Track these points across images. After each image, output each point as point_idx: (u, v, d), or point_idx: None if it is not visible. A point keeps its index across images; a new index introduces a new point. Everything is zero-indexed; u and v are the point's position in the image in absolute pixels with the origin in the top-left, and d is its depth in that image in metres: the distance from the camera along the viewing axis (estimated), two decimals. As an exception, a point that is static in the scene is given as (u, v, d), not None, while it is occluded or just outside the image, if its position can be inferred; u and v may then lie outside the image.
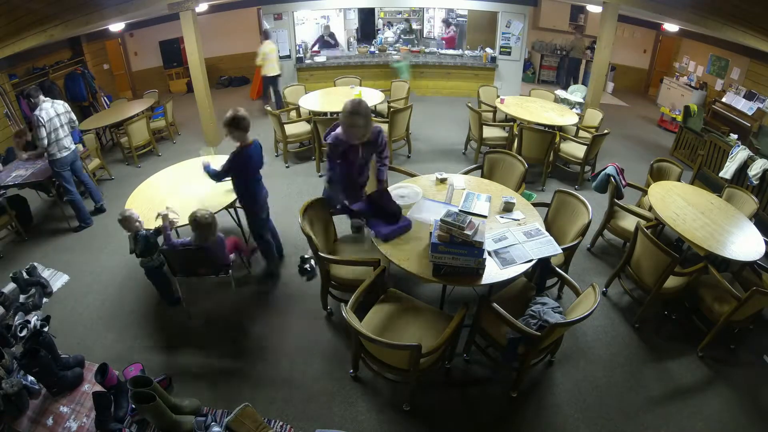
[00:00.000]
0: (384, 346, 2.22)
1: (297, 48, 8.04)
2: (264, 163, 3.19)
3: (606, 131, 4.96)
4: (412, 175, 3.64)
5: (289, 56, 7.80)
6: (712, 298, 2.99)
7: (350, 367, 2.83)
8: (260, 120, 6.92)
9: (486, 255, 2.42)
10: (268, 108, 5.74)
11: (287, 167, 5.56)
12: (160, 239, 3.02)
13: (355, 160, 2.94)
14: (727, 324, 2.85)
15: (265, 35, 7.00)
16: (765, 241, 3.10)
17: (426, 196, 3.22)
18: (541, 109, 5.57)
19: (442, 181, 3.42)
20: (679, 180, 4.06)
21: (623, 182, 3.78)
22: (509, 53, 8.22)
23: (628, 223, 3.67)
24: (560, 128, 5.30)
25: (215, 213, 3.20)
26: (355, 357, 2.70)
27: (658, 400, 2.71)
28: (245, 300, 3.43)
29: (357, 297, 2.52)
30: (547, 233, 2.78)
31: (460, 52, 8.43)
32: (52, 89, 6.52)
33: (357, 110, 2.64)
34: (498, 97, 6.00)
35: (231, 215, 3.92)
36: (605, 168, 3.84)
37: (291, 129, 5.54)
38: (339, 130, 2.82)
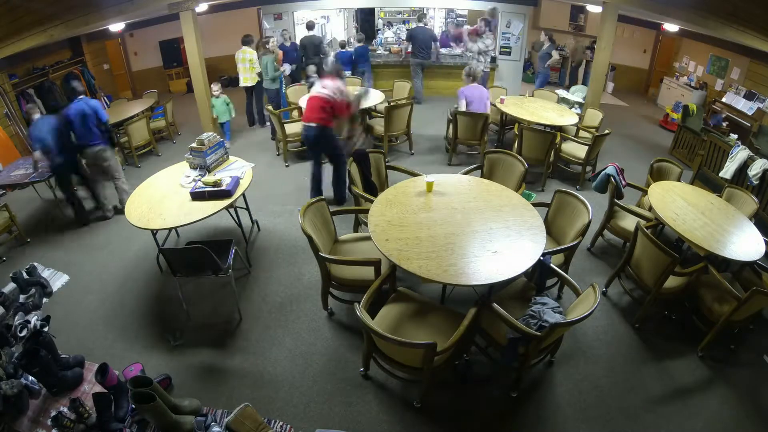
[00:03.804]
0: (398, 345, 2.22)
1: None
2: None
3: (607, 131, 4.96)
4: (414, 174, 3.65)
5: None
6: (712, 298, 2.99)
7: (350, 367, 2.84)
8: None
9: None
10: (269, 107, 5.75)
11: (287, 166, 5.57)
12: None
13: None
14: (727, 324, 2.85)
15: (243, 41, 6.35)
16: (765, 241, 3.10)
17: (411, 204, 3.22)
18: (540, 109, 5.57)
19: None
20: (679, 180, 4.06)
21: (623, 182, 3.78)
22: (509, 53, 8.24)
23: (628, 223, 3.67)
24: (560, 128, 5.30)
25: (214, 214, 3.21)
26: (366, 356, 2.70)
27: (658, 400, 2.71)
28: (245, 300, 3.43)
29: (370, 296, 2.53)
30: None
31: (459, 51, 8.44)
32: (52, 90, 6.52)
33: None
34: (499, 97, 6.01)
35: (231, 215, 3.92)
36: (605, 168, 3.84)
37: (291, 128, 5.54)
38: None
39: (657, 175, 4.14)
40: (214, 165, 3.78)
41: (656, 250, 2.86)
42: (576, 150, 5.07)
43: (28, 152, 5.80)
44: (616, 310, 3.38)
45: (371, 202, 3.21)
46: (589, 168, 5.08)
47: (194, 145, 3.72)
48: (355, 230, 3.81)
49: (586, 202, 3.10)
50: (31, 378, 2.54)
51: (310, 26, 7.16)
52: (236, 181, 3.48)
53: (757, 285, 2.76)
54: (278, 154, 5.85)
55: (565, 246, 3.04)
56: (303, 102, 5.65)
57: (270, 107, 5.78)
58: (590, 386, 2.78)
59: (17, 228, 4.19)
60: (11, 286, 3.38)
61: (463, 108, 5.24)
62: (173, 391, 2.72)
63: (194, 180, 3.57)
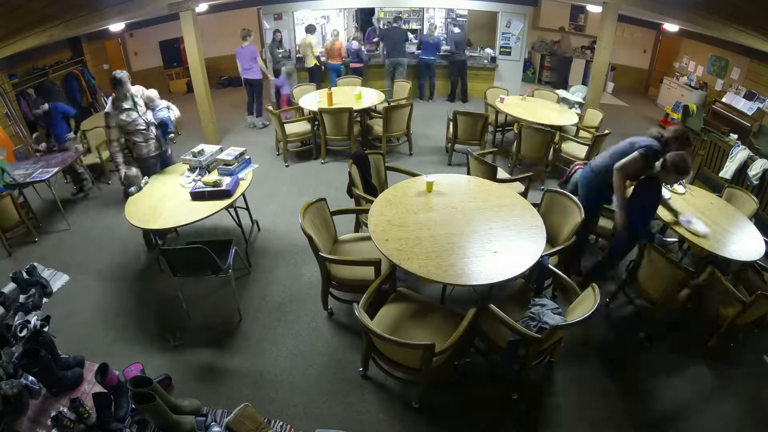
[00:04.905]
0: (397, 345, 2.22)
1: (297, 48, 8.03)
2: None
3: (607, 131, 4.96)
4: (414, 175, 3.64)
5: (288, 57, 7.80)
6: (717, 302, 2.98)
7: (350, 367, 2.84)
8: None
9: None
10: (269, 108, 5.75)
11: (287, 166, 5.57)
12: None
13: None
14: (731, 328, 2.84)
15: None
16: (765, 241, 3.10)
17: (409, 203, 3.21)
18: (540, 109, 5.57)
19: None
20: (679, 180, 4.05)
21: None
22: (509, 53, 8.23)
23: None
24: (560, 128, 5.30)
25: (214, 213, 3.21)
26: (365, 356, 2.70)
27: (658, 401, 2.71)
28: (245, 300, 3.42)
29: (369, 296, 2.52)
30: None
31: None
32: (52, 89, 6.51)
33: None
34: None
35: (231, 215, 3.91)
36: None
37: (291, 128, 5.54)
38: None
39: (657, 175, 4.13)
40: (213, 164, 3.77)
41: (666, 264, 2.78)
42: (576, 150, 5.06)
43: (28, 152, 5.80)
44: (616, 311, 3.37)
45: (371, 203, 3.21)
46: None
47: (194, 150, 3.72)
48: (356, 231, 3.81)
49: (576, 200, 3.09)
50: (31, 378, 2.54)
51: (397, 18, 7.77)
52: (236, 181, 3.48)
53: (761, 288, 2.75)
54: (278, 155, 5.85)
55: (563, 246, 3.03)
56: (303, 102, 5.69)
57: (270, 107, 5.78)
58: (590, 386, 2.78)
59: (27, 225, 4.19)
60: (11, 286, 3.37)
61: None
62: (173, 391, 2.72)
63: (194, 180, 3.57)
